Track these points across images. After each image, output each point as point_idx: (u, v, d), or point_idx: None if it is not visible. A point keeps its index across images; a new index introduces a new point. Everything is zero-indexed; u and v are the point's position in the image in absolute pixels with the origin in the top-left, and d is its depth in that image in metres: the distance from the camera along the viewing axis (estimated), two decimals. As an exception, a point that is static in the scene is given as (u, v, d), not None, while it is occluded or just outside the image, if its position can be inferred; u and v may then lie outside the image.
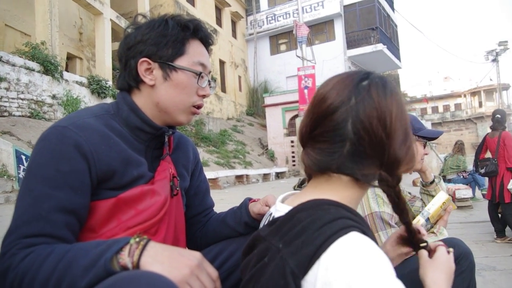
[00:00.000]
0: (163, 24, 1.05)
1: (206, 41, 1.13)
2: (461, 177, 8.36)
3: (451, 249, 0.85)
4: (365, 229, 0.68)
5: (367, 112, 0.71)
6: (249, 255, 0.78)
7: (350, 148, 0.72)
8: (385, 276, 0.59)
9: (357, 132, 0.71)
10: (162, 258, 0.77)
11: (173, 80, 1.04)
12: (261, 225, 0.91)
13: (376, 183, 0.76)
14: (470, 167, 8.65)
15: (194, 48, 1.08)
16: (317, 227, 0.65)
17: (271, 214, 0.85)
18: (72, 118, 0.95)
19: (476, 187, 8.34)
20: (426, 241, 0.85)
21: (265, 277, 0.67)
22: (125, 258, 0.75)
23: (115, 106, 1.06)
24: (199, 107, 1.12)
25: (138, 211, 0.98)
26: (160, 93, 1.04)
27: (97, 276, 0.72)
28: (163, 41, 1.03)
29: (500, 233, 4.64)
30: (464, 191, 7.01)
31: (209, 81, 1.12)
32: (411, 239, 0.85)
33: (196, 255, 0.83)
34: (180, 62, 1.05)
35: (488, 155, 4.96)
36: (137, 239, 0.78)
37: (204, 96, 1.11)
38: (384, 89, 0.75)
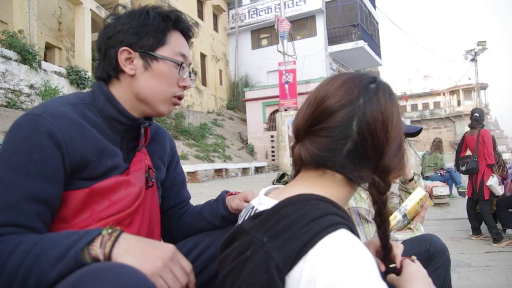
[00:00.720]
0: (144, 14, 1.04)
1: (187, 33, 1.13)
2: (439, 174, 8.41)
3: (413, 257, 0.85)
4: (352, 227, 0.68)
5: (374, 114, 0.72)
6: (228, 248, 0.76)
7: (351, 147, 0.72)
8: (370, 277, 0.58)
9: (361, 132, 0.71)
10: (134, 250, 0.76)
11: (154, 69, 1.03)
12: (240, 218, 0.89)
13: (365, 186, 0.77)
14: (448, 164, 8.78)
15: (175, 39, 1.08)
16: (305, 222, 0.65)
17: (253, 207, 0.83)
18: (46, 106, 0.92)
19: (453, 185, 8.45)
20: (394, 263, 0.82)
21: (247, 270, 0.66)
22: (96, 249, 0.74)
23: (91, 96, 1.03)
24: (180, 98, 1.11)
25: (112, 202, 0.96)
26: (140, 83, 1.03)
27: (67, 267, 0.71)
28: (144, 30, 1.02)
29: (476, 230, 4.72)
30: (441, 189, 7.04)
31: (189, 73, 1.12)
32: (385, 255, 0.81)
33: (169, 248, 0.82)
34: (161, 52, 1.04)
35: (469, 153, 4.99)
36: (110, 230, 0.77)
37: (185, 88, 1.11)
38: (390, 95, 0.76)
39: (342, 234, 0.63)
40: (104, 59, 1.05)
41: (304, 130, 0.78)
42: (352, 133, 0.72)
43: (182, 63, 1.07)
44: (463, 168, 4.91)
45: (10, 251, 0.75)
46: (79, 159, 0.91)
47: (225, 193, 1.27)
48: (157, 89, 1.05)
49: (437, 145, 8.60)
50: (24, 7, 10.49)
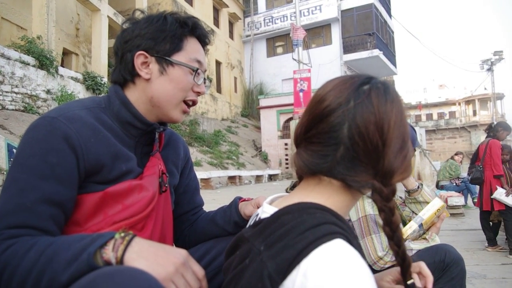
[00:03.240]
0: (162, 20, 1.05)
1: (203, 40, 1.14)
2: (454, 184, 8.37)
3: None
4: (351, 237, 0.66)
5: (365, 117, 0.68)
6: (232, 255, 0.76)
7: (343, 152, 0.69)
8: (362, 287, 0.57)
9: (352, 137, 0.68)
10: (147, 254, 0.75)
11: (169, 74, 1.04)
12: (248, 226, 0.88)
13: (368, 193, 0.73)
14: (463, 174, 8.71)
15: (192, 45, 1.08)
16: (300, 231, 0.63)
17: (257, 215, 0.83)
18: (62, 109, 0.93)
19: (469, 195, 8.34)
20: (412, 278, 0.77)
21: (244, 279, 0.65)
22: (109, 253, 0.73)
23: (106, 100, 1.05)
24: (193, 103, 1.12)
25: (125, 206, 0.97)
26: (155, 87, 1.04)
27: (79, 270, 0.71)
28: (161, 36, 1.03)
29: (491, 241, 4.64)
30: (456, 199, 7.03)
31: (204, 79, 1.12)
32: (403, 270, 0.75)
33: (182, 253, 0.81)
34: (177, 57, 1.05)
35: None
36: (122, 234, 0.77)
37: (199, 94, 1.11)
38: (385, 95, 0.71)
39: (337, 244, 0.61)
40: (121, 63, 1.06)
41: (301, 138, 0.77)
42: (343, 137, 0.69)
43: (198, 69, 1.08)
44: (469, 177, 4.91)
45: (23, 253, 0.75)
46: (94, 163, 0.92)
47: (238, 199, 1.27)
48: (171, 93, 1.05)
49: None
50: (43, 14, 10.66)
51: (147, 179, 1.04)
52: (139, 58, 1.03)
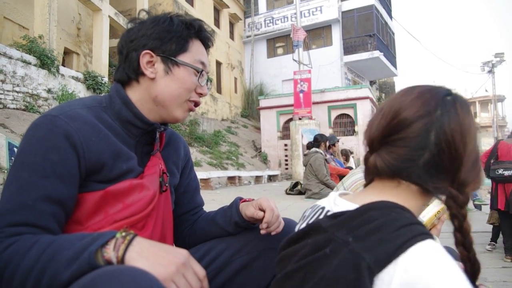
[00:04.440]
0: (168, 21, 1.07)
1: (207, 42, 1.16)
2: None
3: (490, 286, 0.83)
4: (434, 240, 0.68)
5: (452, 126, 0.73)
6: (296, 244, 0.76)
7: (428, 158, 0.73)
8: (466, 285, 0.59)
9: (439, 144, 0.72)
10: (148, 254, 0.75)
11: (174, 74, 1.05)
12: (304, 219, 0.87)
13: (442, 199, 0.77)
14: None
15: (196, 47, 1.11)
16: (396, 228, 0.65)
17: (323, 208, 0.83)
18: (63, 107, 0.94)
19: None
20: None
21: (327, 268, 0.65)
22: (110, 252, 0.73)
23: (107, 99, 1.05)
24: (196, 104, 1.13)
25: (126, 205, 0.97)
26: (160, 87, 1.05)
27: (80, 269, 0.71)
28: (168, 36, 1.05)
29: (509, 250, 4.22)
30: None
31: (206, 81, 1.14)
32: (473, 275, 0.76)
33: (183, 253, 0.81)
34: (183, 58, 1.06)
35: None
36: (123, 234, 0.77)
37: (201, 95, 1.13)
38: (467, 108, 0.77)
39: (432, 243, 0.64)
40: (125, 62, 1.07)
41: (379, 141, 0.79)
42: (429, 144, 0.73)
43: (202, 70, 1.10)
44: (506, 173, 4.43)
45: (24, 251, 0.75)
46: (95, 161, 0.92)
47: (239, 200, 1.26)
48: (175, 93, 1.06)
49: None
50: (44, 13, 10.69)
51: (148, 179, 1.04)
52: (144, 57, 1.04)
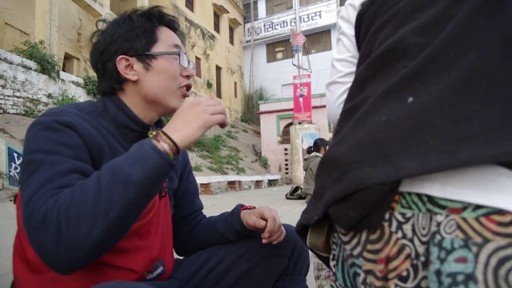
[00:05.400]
0: (128, 20, 1.04)
1: (173, 25, 1.12)
2: None
3: None
4: None
5: None
6: None
7: None
8: None
9: None
10: (182, 126, 0.84)
11: (155, 68, 1.02)
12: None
13: None
14: None
15: (165, 33, 1.07)
16: None
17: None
18: (61, 108, 0.93)
19: None
20: None
21: None
22: (161, 146, 0.80)
23: (102, 105, 1.04)
24: (187, 87, 1.10)
25: None
26: (146, 85, 1.02)
27: (151, 163, 0.76)
28: (133, 34, 1.02)
29: None
30: None
31: (188, 61, 1.11)
32: None
33: (200, 100, 0.90)
34: (156, 49, 1.03)
35: None
36: (154, 133, 0.84)
37: (189, 77, 1.09)
38: None
39: None
40: (104, 75, 1.04)
41: None
42: None
43: (179, 52, 1.07)
44: None
45: (80, 186, 0.75)
46: (96, 153, 0.91)
47: (240, 207, 1.25)
48: (163, 84, 1.04)
49: None
50: (45, 19, 10.74)
51: None
52: (121, 63, 1.01)
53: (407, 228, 0.61)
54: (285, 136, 19.08)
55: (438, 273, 0.55)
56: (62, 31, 12.51)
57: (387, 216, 0.63)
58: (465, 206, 0.56)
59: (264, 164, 19.00)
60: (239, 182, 12.96)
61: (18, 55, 9.48)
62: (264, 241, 1.12)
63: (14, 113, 9.09)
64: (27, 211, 0.75)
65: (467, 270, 0.53)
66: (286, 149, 18.78)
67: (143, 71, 1.02)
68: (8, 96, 8.98)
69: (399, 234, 0.61)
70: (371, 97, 0.68)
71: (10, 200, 6.33)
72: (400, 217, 0.62)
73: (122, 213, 0.74)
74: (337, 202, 0.65)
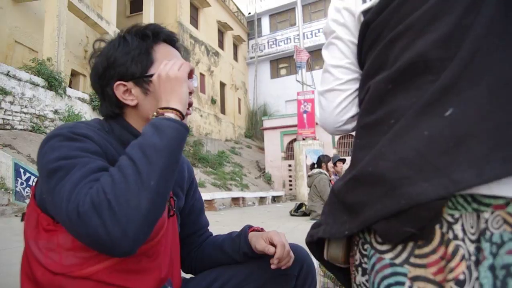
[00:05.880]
0: (122, 42, 1.01)
1: (171, 40, 1.08)
2: None
3: None
4: None
5: None
6: None
7: None
8: None
9: None
10: (169, 96, 0.91)
11: (153, 91, 0.99)
12: None
13: None
14: None
15: (161, 52, 1.03)
16: None
17: None
18: (73, 123, 0.93)
19: None
20: None
21: None
22: (167, 116, 0.88)
23: (107, 125, 1.03)
24: (189, 105, 1.04)
25: None
26: (147, 108, 1.00)
27: (171, 127, 0.84)
28: (129, 58, 0.99)
29: None
30: None
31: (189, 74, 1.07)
32: None
33: (160, 72, 0.94)
34: (153, 70, 0.99)
35: None
36: (154, 114, 0.91)
37: (190, 93, 1.03)
38: None
39: None
40: (105, 99, 1.03)
41: None
42: None
43: None
44: None
45: (116, 169, 0.79)
46: (111, 164, 0.90)
47: (248, 229, 1.24)
48: None
49: None
50: (54, 37, 10.93)
51: None
52: (118, 89, 0.99)
53: (457, 228, 0.63)
54: (289, 152, 19.06)
55: (492, 267, 0.59)
56: (69, 48, 12.70)
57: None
58: (508, 202, 0.60)
59: (268, 180, 18.94)
60: (243, 198, 12.91)
61: (27, 72, 9.62)
62: (273, 266, 1.11)
63: (21, 129, 9.17)
64: (70, 206, 0.75)
65: (503, 262, 0.58)
66: (290, 165, 18.73)
67: (141, 95, 1.00)
68: (16, 112, 9.08)
69: (451, 235, 0.63)
70: (402, 112, 0.70)
71: (16, 216, 6.36)
72: (449, 218, 0.64)
73: (160, 179, 0.79)
74: (386, 218, 0.65)
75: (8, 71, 8.92)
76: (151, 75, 0.99)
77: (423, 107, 0.67)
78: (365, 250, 0.75)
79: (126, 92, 1.00)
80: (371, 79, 0.80)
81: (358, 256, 0.77)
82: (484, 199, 0.62)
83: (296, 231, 5.62)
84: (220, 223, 6.62)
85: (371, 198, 0.68)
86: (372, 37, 0.82)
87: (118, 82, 0.99)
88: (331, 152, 15.98)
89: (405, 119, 0.68)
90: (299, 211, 8.81)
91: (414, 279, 0.65)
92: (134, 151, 0.80)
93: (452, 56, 0.67)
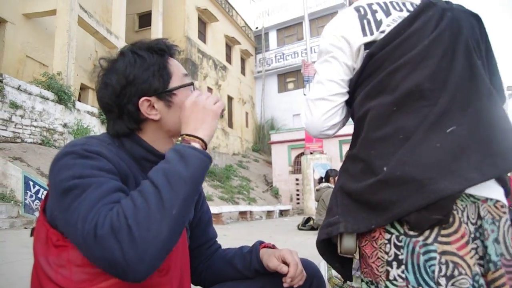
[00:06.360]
0: (138, 58, 1.02)
1: (175, 53, 1.12)
2: None
3: None
4: None
5: None
6: None
7: None
8: None
9: None
10: (199, 125, 0.94)
11: (175, 103, 1.03)
12: None
13: None
14: None
15: (174, 65, 1.07)
16: None
17: None
18: (85, 139, 0.93)
19: None
20: None
21: None
22: (192, 144, 0.90)
23: (117, 141, 1.03)
24: None
25: None
26: (169, 121, 1.03)
27: (196, 157, 0.86)
28: (150, 74, 1.00)
29: None
30: None
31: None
32: None
33: (197, 99, 0.97)
34: (173, 83, 1.03)
35: None
36: (179, 139, 0.92)
37: None
38: None
39: None
40: (121, 117, 1.02)
41: None
42: None
43: (192, 82, 1.09)
44: None
45: (137, 193, 0.80)
46: (123, 181, 0.92)
47: (259, 245, 1.24)
48: None
49: None
50: (64, 51, 11.10)
51: None
52: (143, 105, 1.00)
53: (465, 215, 0.91)
54: (297, 166, 19.03)
55: (497, 240, 0.92)
56: (78, 62, 12.88)
57: (454, 207, 0.90)
58: (487, 198, 0.93)
59: (276, 194, 18.89)
60: (251, 212, 12.86)
61: (37, 86, 9.74)
62: (285, 285, 1.11)
63: (31, 142, 9.26)
64: (87, 227, 0.74)
65: (494, 236, 0.91)
66: (297, 179, 18.69)
67: (165, 108, 1.02)
68: (26, 125, 9.18)
69: (464, 219, 0.91)
70: (408, 129, 0.93)
71: (25, 228, 6.37)
72: (461, 207, 0.91)
73: (181, 209, 0.79)
74: (417, 210, 0.87)
75: (19, 85, 9.04)
76: (174, 88, 1.03)
77: (430, 126, 0.91)
78: (400, 241, 0.92)
79: (149, 107, 1.01)
80: (372, 100, 1.00)
81: (392, 251, 0.93)
82: (476, 196, 0.92)
83: (304, 245, 5.58)
84: (228, 237, 6.59)
85: (401, 196, 0.89)
86: (374, 66, 1.02)
87: (143, 98, 1.00)
88: (339, 166, 15.81)
89: (417, 135, 0.91)
90: (307, 225, 8.76)
91: (442, 253, 0.87)
92: (158, 177, 0.81)
93: (439, 88, 0.93)
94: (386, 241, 0.94)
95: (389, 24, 1.02)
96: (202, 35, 20.45)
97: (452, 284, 0.85)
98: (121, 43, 13.55)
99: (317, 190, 7.73)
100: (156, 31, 16.27)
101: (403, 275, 0.90)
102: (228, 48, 23.78)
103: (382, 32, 1.02)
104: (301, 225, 8.95)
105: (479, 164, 0.87)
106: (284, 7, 26.39)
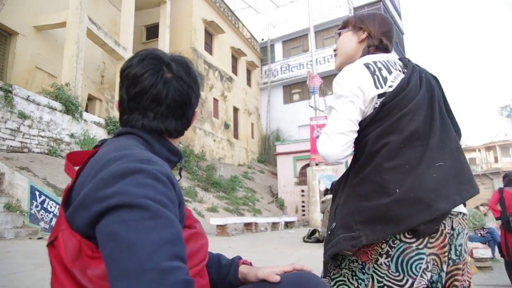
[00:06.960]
0: (190, 70, 1.09)
1: None
2: (479, 235, 7.60)
3: None
4: None
5: None
6: None
7: None
8: None
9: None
10: None
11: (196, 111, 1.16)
12: None
13: None
14: (488, 224, 7.97)
15: None
16: None
17: None
18: (148, 155, 0.89)
19: (495, 247, 7.20)
20: None
21: None
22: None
23: (142, 141, 1.01)
24: (193, 116, 1.17)
25: (190, 254, 0.93)
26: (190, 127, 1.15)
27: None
28: (198, 86, 1.12)
29: None
30: (482, 251, 6.39)
31: None
32: None
33: None
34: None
35: None
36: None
37: (193, 115, 1.17)
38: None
39: None
40: (181, 119, 1.06)
41: None
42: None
43: None
44: None
45: None
46: (180, 202, 0.92)
47: (238, 259, 1.22)
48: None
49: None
50: (72, 62, 11.24)
51: (198, 225, 1.04)
52: (195, 115, 1.13)
53: (446, 226, 1.25)
54: (302, 178, 18.98)
55: (455, 246, 1.29)
56: (86, 73, 13.03)
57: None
58: (458, 213, 1.28)
59: (281, 206, 18.81)
60: (256, 223, 12.80)
61: (45, 97, 9.86)
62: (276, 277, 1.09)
63: (38, 152, 9.33)
64: (149, 265, 0.71)
65: (461, 241, 1.30)
66: (303, 191, 18.62)
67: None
68: (34, 135, 9.26)
69: (446, 230, 1.25)
70: (411, 162, 1.24)
71: (30, 238, 6.39)
72: (444, 221, 1.24)
73: None
74: (425, 223, 1.18)
75: (28, 96, 9.15)
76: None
77: (428, 161, 1.24)
78: (394, 243, 1.23)
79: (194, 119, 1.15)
80: (385, 138, 1.28)
81: (386, 249, 1.24)
82: (451, 212, 1.25)
83: (309, 258, 5.53)
84: (233, 249, 6.55)
85: (413, 212, 1.18)
86: (385, 112, 1.30)
87: (196, 109, 1.12)
88: (345, 177, 15.80)
89: (421, 167, 1.22)
90: (313, 237, 8.71)
91: (429, 255, 1.21)
92: None
93: (428, 131, 1.27)
94: (384, 242, 1.25)
95: (392, 80, 1.33)
96: (208, 47, 20.61)
97: (430, 271, 1.22)
98: (128, 55, 13.69)
99: (323, 202, 7.70)
100: (163, 43, 16.44)
101: (387, 263, 1.23)
102: (234, 59, 23.94)
103: (390, 86, 1.32)
104: (306, 237, 8.90)
105: (458, 190, 1.23)
106: (290, 19, 26.58)
